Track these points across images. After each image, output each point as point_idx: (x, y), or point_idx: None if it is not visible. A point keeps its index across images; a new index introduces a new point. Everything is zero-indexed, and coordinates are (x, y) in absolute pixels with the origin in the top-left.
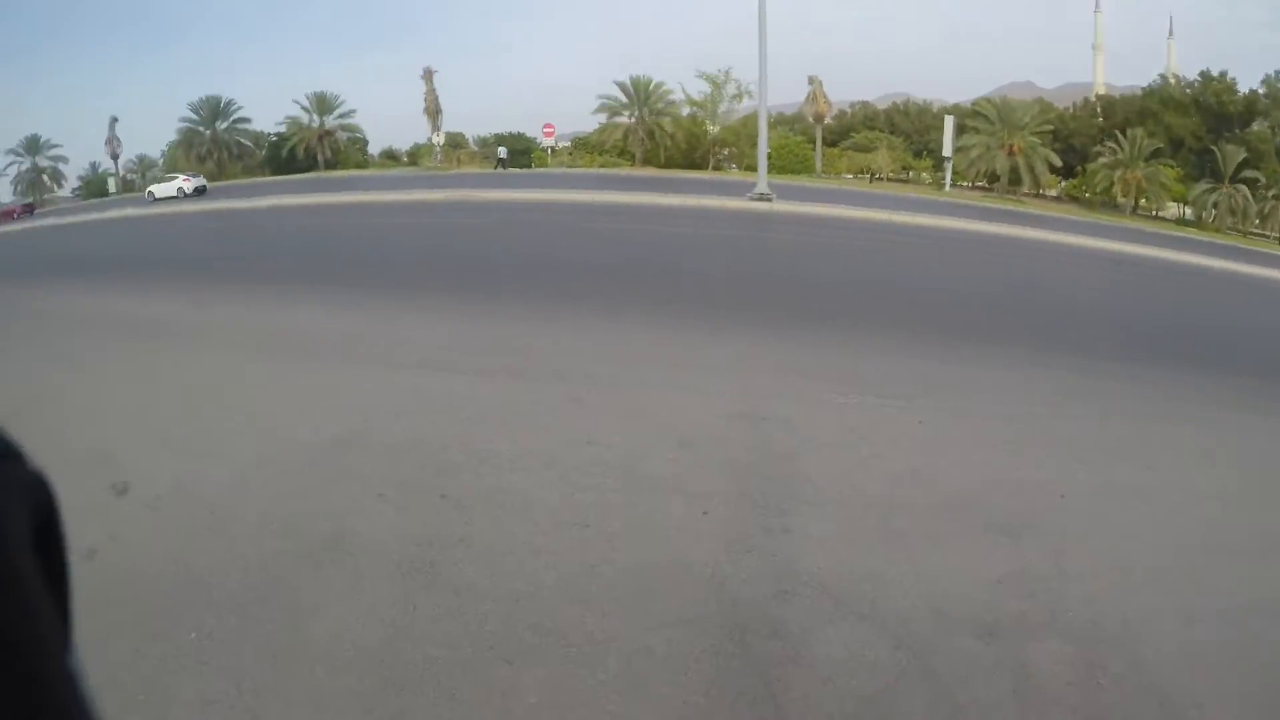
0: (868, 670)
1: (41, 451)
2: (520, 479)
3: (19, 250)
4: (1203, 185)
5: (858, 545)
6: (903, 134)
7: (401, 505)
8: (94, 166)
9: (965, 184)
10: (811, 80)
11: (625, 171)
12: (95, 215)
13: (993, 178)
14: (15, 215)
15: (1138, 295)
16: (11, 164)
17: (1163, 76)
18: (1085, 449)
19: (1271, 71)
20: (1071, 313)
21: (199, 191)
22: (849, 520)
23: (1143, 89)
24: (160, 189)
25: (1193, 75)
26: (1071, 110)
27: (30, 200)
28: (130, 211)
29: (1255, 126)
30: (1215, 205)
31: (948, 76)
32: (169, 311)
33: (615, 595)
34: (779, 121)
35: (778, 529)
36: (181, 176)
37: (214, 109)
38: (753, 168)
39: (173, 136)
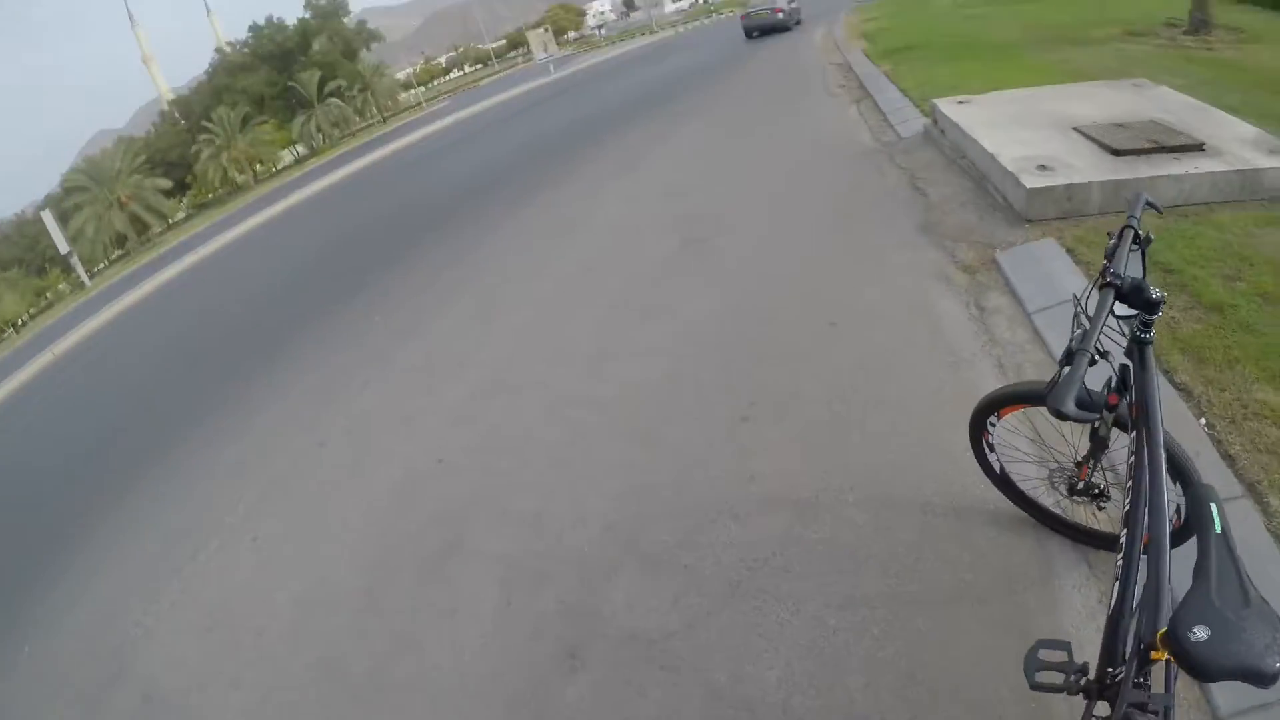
0: None
1: None
2: None
3: None
4: (299, 119)
5: None
6: (15, 265)
7: None
8: None
9: (103, 264)
10: None
11: None
12: None
13: (122, 240)
14: None
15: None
16: None
17: (219, 51)
18: None
19: None
20: None
21: None
22: None
23: (207, 73)
24: None
25: (244, 35)
26: (154, 130)
27: None
28: None
29: (317, 46)
30: (318, 129)
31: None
32: None
33: None
34: None
35: None
36: None
37: None
38: None
39: None
